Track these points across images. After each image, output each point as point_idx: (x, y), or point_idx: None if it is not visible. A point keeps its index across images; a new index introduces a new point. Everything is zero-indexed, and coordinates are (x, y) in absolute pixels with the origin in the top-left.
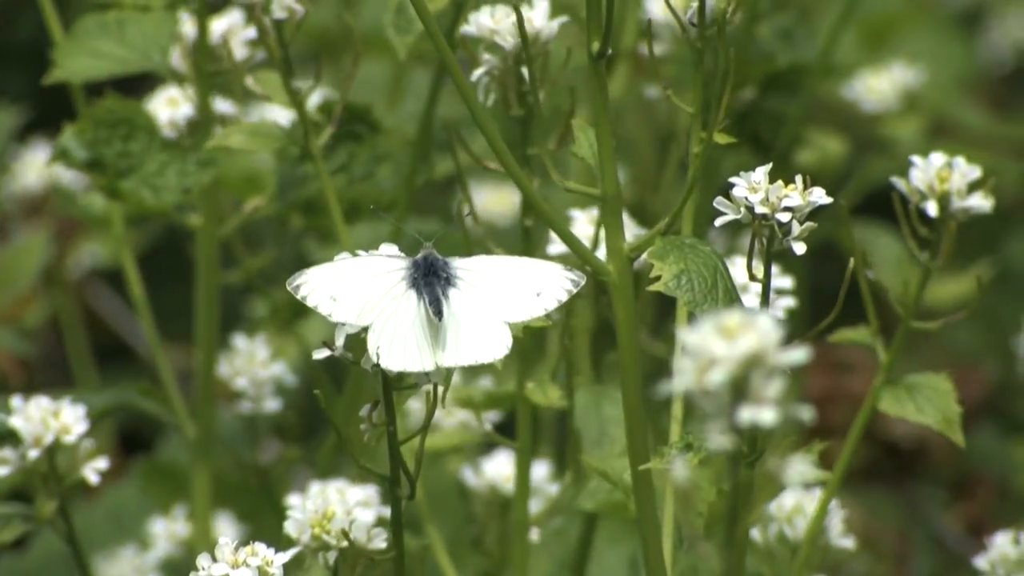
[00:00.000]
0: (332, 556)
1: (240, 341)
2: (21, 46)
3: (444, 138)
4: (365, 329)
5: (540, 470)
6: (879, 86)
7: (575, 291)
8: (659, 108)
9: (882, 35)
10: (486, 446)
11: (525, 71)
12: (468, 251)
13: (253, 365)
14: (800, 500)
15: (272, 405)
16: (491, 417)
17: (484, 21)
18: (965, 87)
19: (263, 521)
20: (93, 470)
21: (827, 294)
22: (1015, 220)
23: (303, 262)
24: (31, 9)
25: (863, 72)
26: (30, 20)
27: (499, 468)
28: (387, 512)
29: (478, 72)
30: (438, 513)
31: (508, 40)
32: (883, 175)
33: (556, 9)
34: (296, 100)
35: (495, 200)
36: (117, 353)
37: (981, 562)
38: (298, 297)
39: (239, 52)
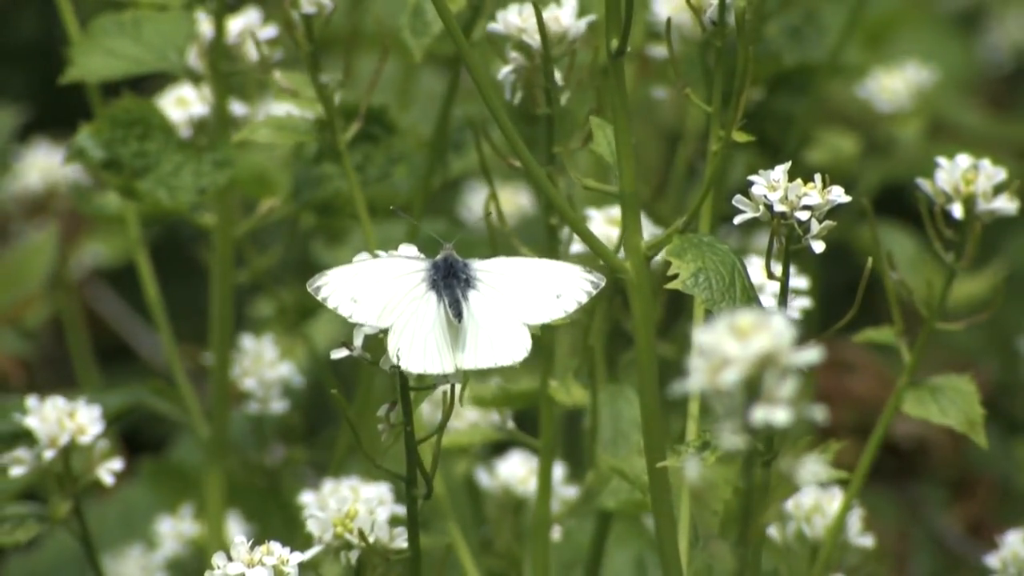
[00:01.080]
0: (354, 555)
1: (248, 342)
2: (22, 46)
3: (458, 139)
4: (384, 331)
5: (556, 471)
6: (892, 85)
7: (595, 293)
8: (664, 108)
9: (880, 35)
10: (495, 447)
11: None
12: (493, 251)
13: (261, 366)
14: (819, 499)
15: (279, 406)
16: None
17: (512, 19)
18: (964, 88)
19: (269, 521)
20: (108, 471)
21: (833, 293)
22: (1016, 221)
23: (309, 263)
24: (31, 9)
25: (875, 71)
26: (31, 20)
27: (513, 469)
28: (400, 510)
29: (505, 70)
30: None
31: (536, 38)
32: (886, 173)
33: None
34: (324, 95)
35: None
36: (116, 353)
37: (992, 560)
38: (318, 298)
39: (256, 51)
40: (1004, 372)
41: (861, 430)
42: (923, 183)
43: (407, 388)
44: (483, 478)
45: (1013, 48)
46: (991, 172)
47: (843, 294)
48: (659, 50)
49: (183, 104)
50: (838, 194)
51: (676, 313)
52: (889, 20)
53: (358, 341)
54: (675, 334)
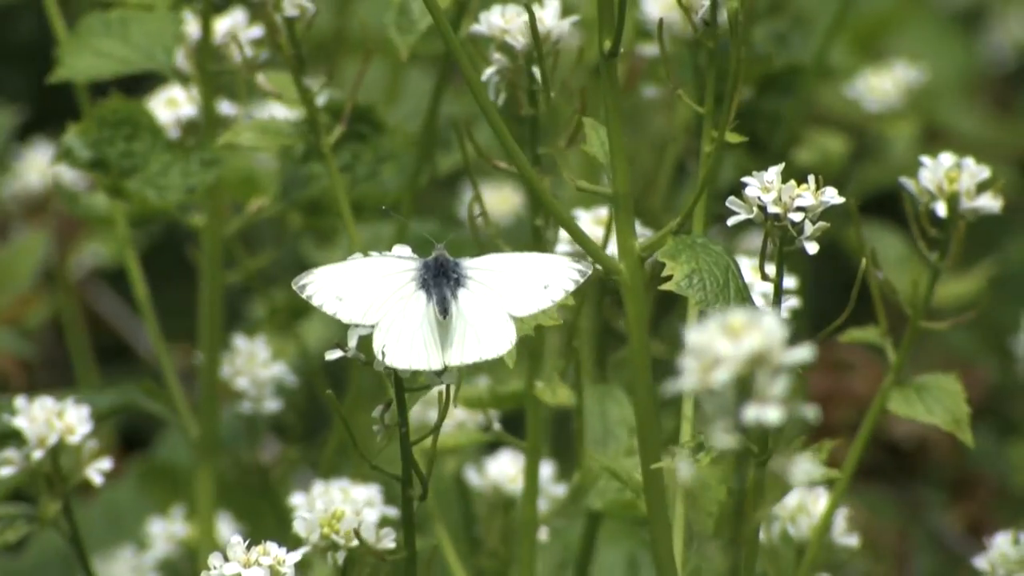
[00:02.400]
0: (341, 556)
1: (240, 341)
2: (19, 46)
3: (447, 137)
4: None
5: (545, 470)
6: (881, 85)
7: (582, 281)
8: (651, 108)
9: (874, 36)
10: (485, 447)
11: (536, 71)
12: (478, 251)
13: (254, 365)
14: (803, 499)
15: (272, 405)
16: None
17: (495, 20)
18: (966, 87)
19: (260, 521)
20: (97, 471)
21: (827, 292)
22: (1012, 222)
23: (300, 262)
24: (29, 9)
25: (864, 71)
26: (28, 20)
27: (503, 468)
28: (391, 512)
29: (488, 71)
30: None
31: (519, 39)
32: (879, 178)
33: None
34: (307, 98)
35: (495, 200)
36: (116, 353)
37: (981, 562)
38: (303, 296)
39: (241, 52)
40: (1001, 373)
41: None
42: (907, 182)
43: (402, 389)
44: (473, 477)
45: (1015, 47)
46: (974, 170)
47: (830, 293)
48: (648, 49)
49: (173, 105)
50: (831, 195)
51: (665, 312)
52: (884, 20)
53: (352, 342)
54: (664, 333)
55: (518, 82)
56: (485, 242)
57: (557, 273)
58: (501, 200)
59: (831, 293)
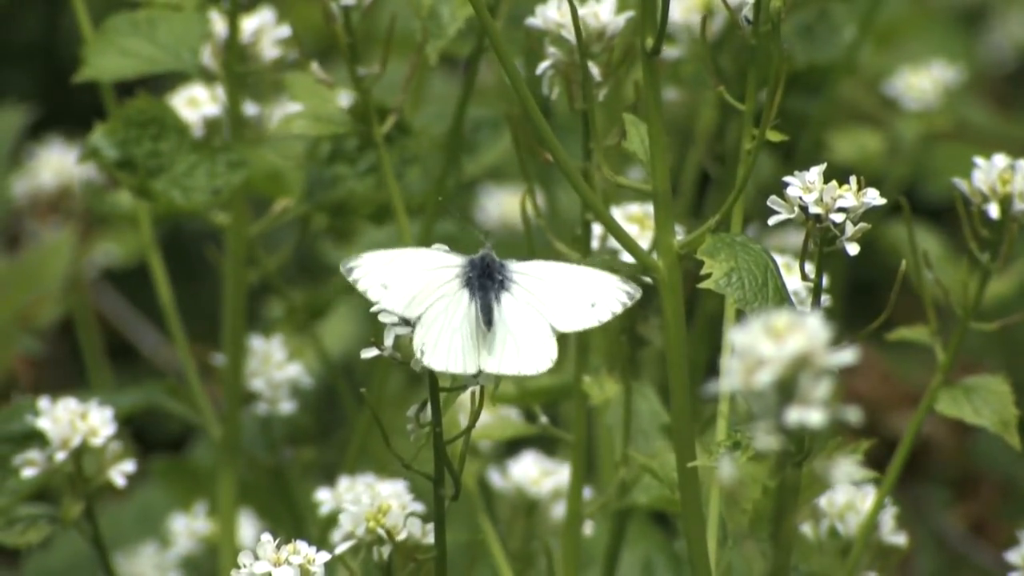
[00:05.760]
0: (386, 550)
1: (256, 342)
2: (24, 44)
3: (472, 140)
4: (411, 325)
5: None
6: (920, 84)
7: (630, 304)
8: (673, 109)
9: (887, 37)
10: (508, 448)
11: (590, 65)
12: (531, 250)
13: (269, 367)
14: (852, 497)
15: (288, 407)
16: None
17: (550, 14)
18: (967, 86)
19: (278, 520)
20: (120, 472)
21: (863, 290)
22: None
23: (317, 262)
24: (34, 7)
25: (901, 70)
26: (34, 18)
27: (526, 470)
28: (417, 507)
29: (543, 65)
30: (454, 514)
31: (574, 34)
32: (898, 174)
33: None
34: (361, 87)
35: (516, 203)
36: (117, 352)
37: (1013, 556)
38: (349, 280)
39: (270, 51)
40: (1009, 372)
41: (866, 430)
42: (960, 183)
43: (436, 387)
44: (496, 479)
45: (1015, 46)
46: None
47: (851, 292)
48: (668, 52)
49: (194, 104)
50: (873, 196)
51: (689, 314)
52: (897, 23)
53: (388, 340)
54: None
55: (572, 76)
56: (536, 240)
57: (605, 292)
58: (515, 204)
59: (851, 292)
